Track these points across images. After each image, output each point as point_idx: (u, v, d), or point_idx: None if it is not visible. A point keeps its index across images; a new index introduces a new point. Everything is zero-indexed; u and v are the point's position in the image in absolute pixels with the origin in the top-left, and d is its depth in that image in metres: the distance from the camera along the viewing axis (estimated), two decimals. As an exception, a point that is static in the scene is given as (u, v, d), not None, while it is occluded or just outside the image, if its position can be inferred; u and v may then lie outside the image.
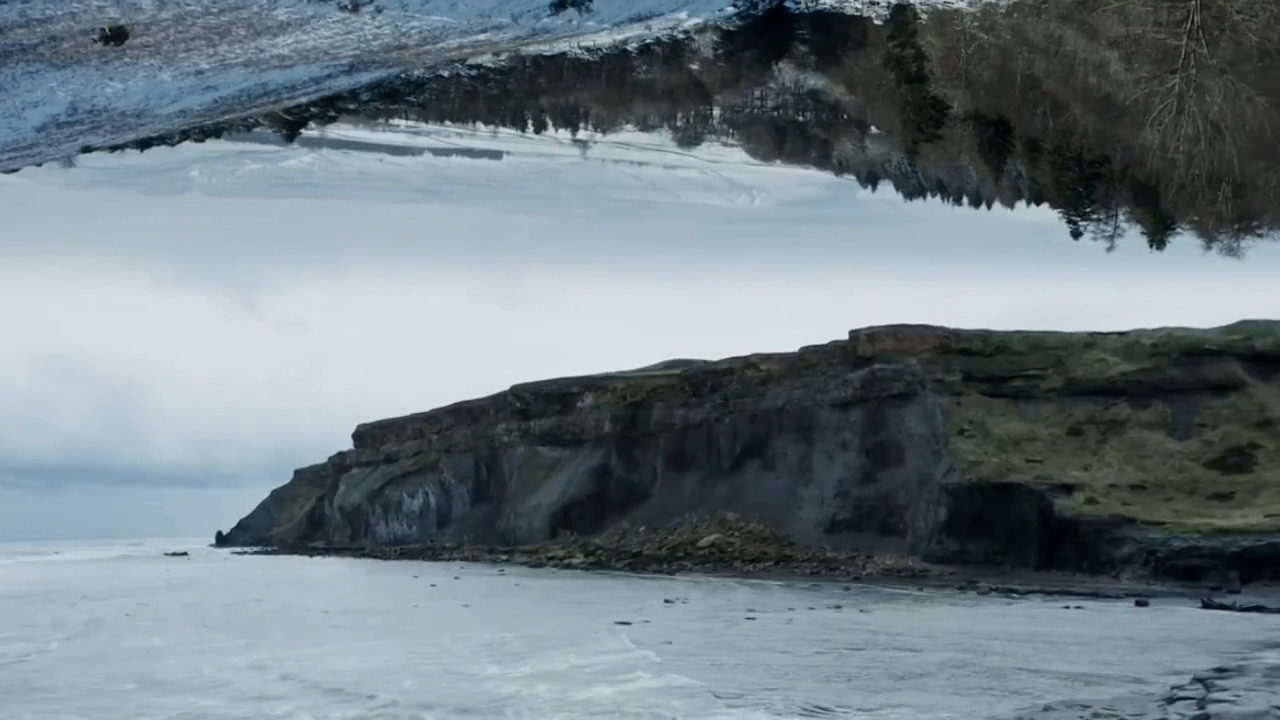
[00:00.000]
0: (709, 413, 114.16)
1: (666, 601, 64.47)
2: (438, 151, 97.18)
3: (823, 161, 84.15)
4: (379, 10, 31.68)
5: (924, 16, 45.98)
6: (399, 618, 59.21)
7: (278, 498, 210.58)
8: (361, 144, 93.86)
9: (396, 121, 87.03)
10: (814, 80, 70.85)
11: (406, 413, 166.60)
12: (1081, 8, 26.77)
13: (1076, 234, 47.71)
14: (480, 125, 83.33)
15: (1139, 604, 57.83)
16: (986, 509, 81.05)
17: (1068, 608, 57.30)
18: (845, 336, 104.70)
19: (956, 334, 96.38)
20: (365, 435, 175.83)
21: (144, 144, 47.73)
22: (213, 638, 50.57)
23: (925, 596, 68.49)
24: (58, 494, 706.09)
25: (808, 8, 48.03)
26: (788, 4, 47.48)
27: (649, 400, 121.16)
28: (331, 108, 52.55)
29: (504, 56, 49.89)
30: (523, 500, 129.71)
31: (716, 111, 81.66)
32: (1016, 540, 79.24)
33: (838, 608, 59.40)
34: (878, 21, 48.07)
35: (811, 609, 59.00)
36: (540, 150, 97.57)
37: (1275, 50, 22.24)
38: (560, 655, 41.21)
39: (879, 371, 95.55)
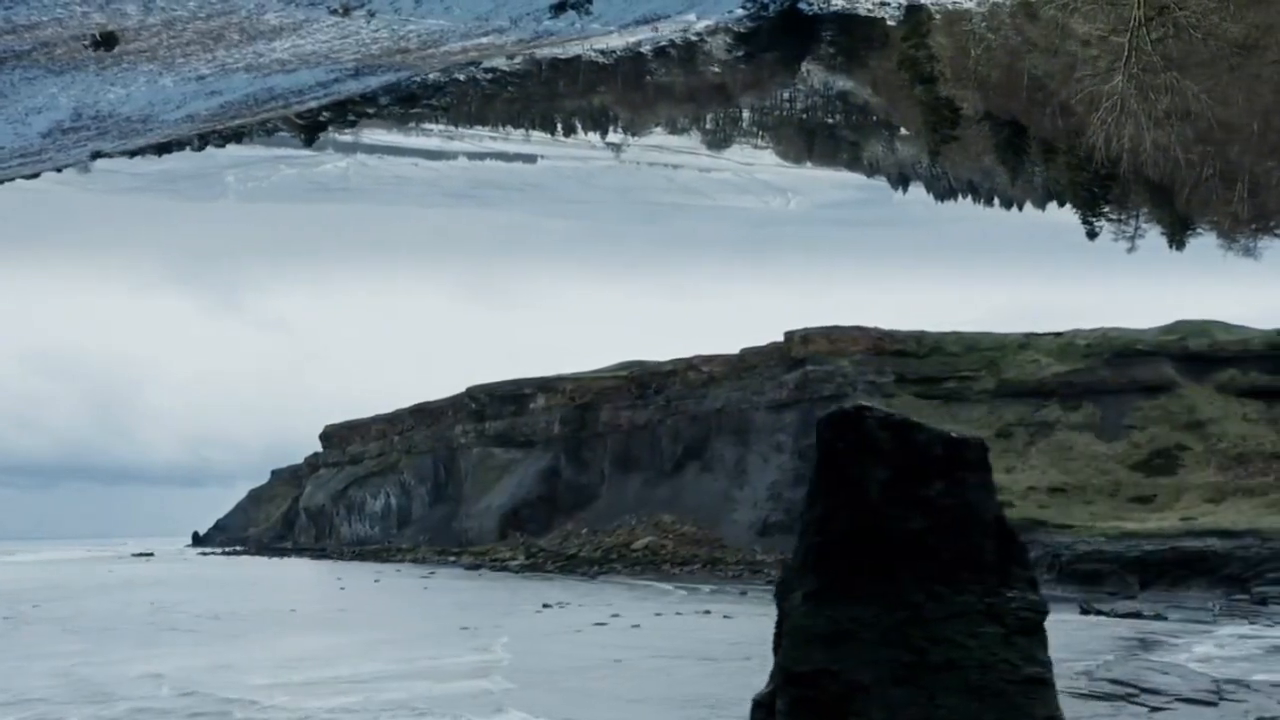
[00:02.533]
0: (653, 414, 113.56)
1: (545, 606, 63.78)
2: (472, 155, 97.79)
3: (854, 163, 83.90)
4: (372, 14, 31.85)
5: (938, 17, 45.75)
6: (262, 622, 59.39)
7: (255, 498, 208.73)
8: (396, 148, 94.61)
9: (430, 126, 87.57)
10: (842, 82, 70.65)
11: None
12: (1049, 7, 26.55)
13: (1092, 234, 47.31)
14: (510, 129, 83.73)
15: None
16: (905, 513, 80.00)
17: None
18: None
19: (891, 335, 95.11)
20: (332, 436, 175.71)
21: (162, 149, 48.18)
22: (60, 642, 50.56)
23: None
24: (52, 492, 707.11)
25: (821, 8, 47.82)
26: (801, 5, 47.27)
27: (597, 402, 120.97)
28: (351, 112, 52.92)
29: (518, 60, 50.06)
30: (476, 502, 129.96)
31: (745, 114, 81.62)
32: (931, 545, 78.25)
33: (706, 613, 58.86)
34: (891, 22, 47.84)
35: (679, 614, 58.42)
36: (574, 154, 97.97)
37: (1240, 47, 21.91)
38: (366, 663, 41.17)
39: (811, 373, 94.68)
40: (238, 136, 53.34)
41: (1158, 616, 52.20)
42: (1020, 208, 78.72)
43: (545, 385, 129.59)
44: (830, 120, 77.35)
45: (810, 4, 48.20)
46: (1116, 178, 44.84)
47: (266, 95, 39.69)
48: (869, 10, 47.25)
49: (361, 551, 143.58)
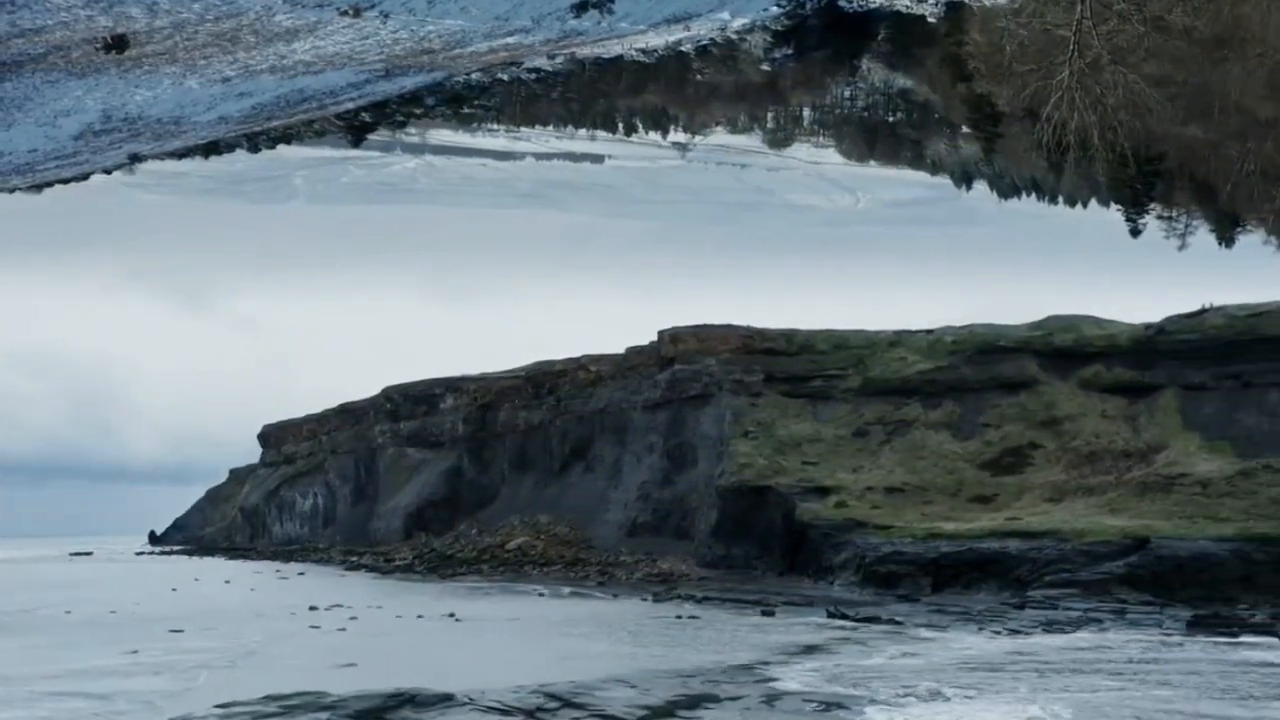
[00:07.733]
0: (545, 414, 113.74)
1: (311, 609, 62.29)
2: (539, 156, 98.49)
3: (917, 162, 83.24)
4: (385, 15, 32.09)
5: (976, 13, 45.27)
6: (25, 623, 59.47)
7: (212, 497, 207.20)
8: (464, 149, 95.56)
9: (494, 126, 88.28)
10: (901, 79, 70.14)
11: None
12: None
13: (1135, 232, 46.49)
14: (572, 129, 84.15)
15: (765, 614, 56.42)
16: (748, 513, 79.56)
17: (680, 617, 56.24)
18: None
19: (761, 334, 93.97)
20: (269, 436, 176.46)
21: (208, 150, 49.02)
22: None
23: (599, 599, 68.65)
24: (40, 491, 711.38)
25: (860, 6, 47.48)
26: (840, 2, 46.97)
27: (497, 402, 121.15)
28: (398, 113, 53.49)
29: (559, 59, 50.24)
30: (386, 502, 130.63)
31: (806, 112, 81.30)
32: (767, 545, 77.63)
33: (451, 615, 58.07)
34: (931, 19, 47.43)
35: (420, 617, 57.65)
36: (641, 153, 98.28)
37: (1221, 42, 21.31)
38: (17, 666, 41.25)
39: (679, 373, 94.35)
40: (286, 138, 54.25)
41: (892, 621, 51.01)
42: (1085, 205, 77.70)
43: (453, 385, 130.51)
44: (891, 118, 76.85)
45: (850, 1, 47.88)
46: (1160, 174, 44.07)
47: (298, 97, 40.20)
48: (907, 7, 46.84)
49: (281, 551, 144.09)
